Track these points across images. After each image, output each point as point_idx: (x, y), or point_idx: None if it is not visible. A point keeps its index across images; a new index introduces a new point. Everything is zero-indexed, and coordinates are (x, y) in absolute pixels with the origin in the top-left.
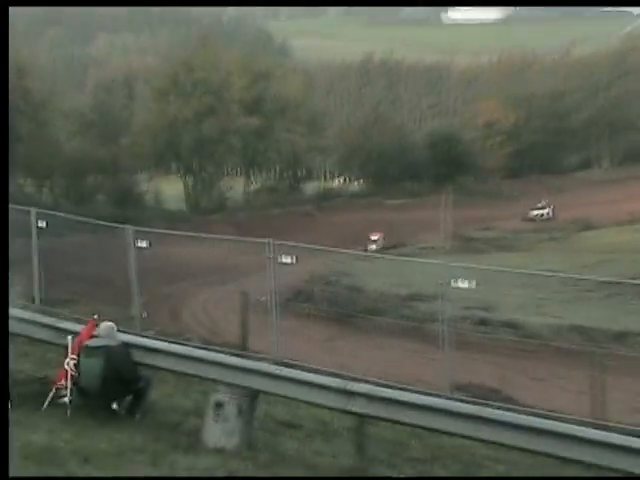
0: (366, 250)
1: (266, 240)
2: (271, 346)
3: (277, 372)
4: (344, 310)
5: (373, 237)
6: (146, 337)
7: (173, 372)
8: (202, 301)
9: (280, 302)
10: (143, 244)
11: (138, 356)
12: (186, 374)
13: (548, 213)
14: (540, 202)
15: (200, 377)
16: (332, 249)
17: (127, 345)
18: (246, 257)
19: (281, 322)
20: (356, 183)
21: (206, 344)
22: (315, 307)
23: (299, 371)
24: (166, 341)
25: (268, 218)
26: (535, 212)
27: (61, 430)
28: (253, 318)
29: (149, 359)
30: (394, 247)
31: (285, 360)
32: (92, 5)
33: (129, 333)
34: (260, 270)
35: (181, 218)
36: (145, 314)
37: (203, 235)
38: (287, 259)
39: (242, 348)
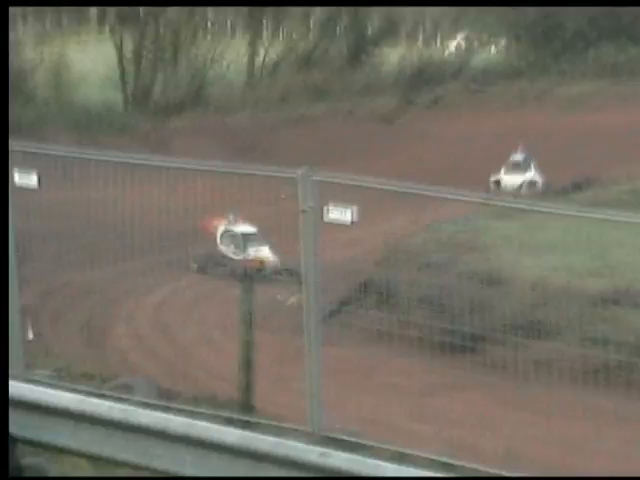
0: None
1: (295, 172)
2: (305, 403)
3: (318, 460)
4: (462, 326)
5: (216, 221)
6: (35, 382)
7: (93, 458)
8: (156, 304)
9: (324, 307)
10: (29, 180)
11: (19, 423)
12: (120, 463)
13: (535, 182)
14: (515, 153)
15: (150, 470)
16: (437, 192)
17: None
18: (250, 208)
19: (326, 350)
20: (491, 48)
21: (165, 399)
22: (398, 319)
23: (367, 459)
24: (77, 392)
25: (297, 124)
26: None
27: None
28: (265, 340)
29: (41, 430)
30: (565, 192)
31: (335, 435)
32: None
33: None
34: (281, 238)
35: (111, 122)
36: (31, 334)
37: (156, 161)
38: (338, 213)
39: (243, 407)
